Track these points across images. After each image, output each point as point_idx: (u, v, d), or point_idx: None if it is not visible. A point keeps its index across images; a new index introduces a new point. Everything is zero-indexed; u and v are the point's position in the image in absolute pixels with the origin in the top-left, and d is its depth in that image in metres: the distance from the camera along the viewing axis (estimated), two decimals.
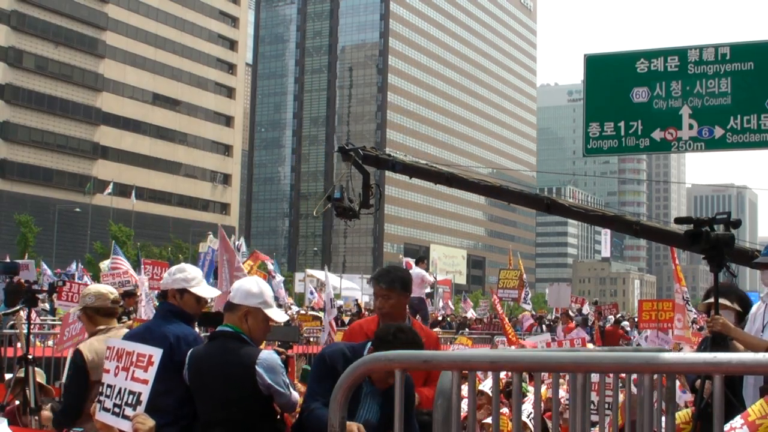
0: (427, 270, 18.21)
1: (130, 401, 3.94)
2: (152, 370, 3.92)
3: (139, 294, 14.89)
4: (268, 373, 4.02)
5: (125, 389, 3.98)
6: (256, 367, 4.01)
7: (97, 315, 5.33)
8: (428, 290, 19.14)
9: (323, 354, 4.26)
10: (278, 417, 4.25)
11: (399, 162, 12.34)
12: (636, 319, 27.99)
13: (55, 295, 13.64)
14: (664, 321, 16.20)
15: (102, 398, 4.07)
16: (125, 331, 5.31)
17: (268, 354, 4.15)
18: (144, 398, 3.90)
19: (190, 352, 4.26)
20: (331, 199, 11.99)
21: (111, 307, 5.35)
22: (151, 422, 3.87)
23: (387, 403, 3.80)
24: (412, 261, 22.42)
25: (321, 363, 4.15)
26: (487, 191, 12.88)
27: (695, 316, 17.12)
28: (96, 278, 28.79)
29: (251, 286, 4.26)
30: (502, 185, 12.99)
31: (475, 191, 13.00)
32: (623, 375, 3.57)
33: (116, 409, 3.98)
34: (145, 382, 3.93)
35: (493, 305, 20.70)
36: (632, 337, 20.04)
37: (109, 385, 4.07)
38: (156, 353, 3.97)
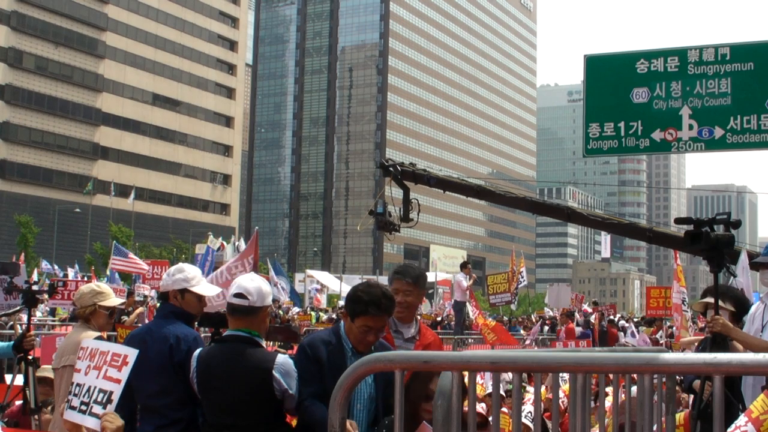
0: (469, 276, 18.66)
1: (100, 399, 3.91)
2: (126, 370, 3.89)
3: (150, 298, 14.87)
4: (285, 378, 3.99)
5: (95, 387, 3.95)
6: (274, 371, 3.97)
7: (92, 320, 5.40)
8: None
9: (303, 345, 4.22)
10: (285, 420, 4.24)
11: (433, 177, 13.10)
12: (635, 320, 28.02)
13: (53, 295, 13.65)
14: (671, 308, 16.20)
15: (70, 397, 4.05)
16: (73, 331, 5.39)
17: (284, 358, 4.11)
18: (115, 397, 3.87)
19: (197, 353, 4.19)
20: (374, 213, 12.63)
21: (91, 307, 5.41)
22: (119, 422, 3.82)
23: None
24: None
25: (302, 353, 4.13)
26: (513, 202, 13.77)
27: (690, 315, 17.14)
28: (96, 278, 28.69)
29: (265, 285, 4.22)
30: (527, 196, 14.08)
31: (501, 202, 13.76)
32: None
33: (83, 407, 3.95)
34: (117, 381, 3.90)
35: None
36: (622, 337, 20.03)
37: (78, 384, 4.05)
38: (132, 354, 3.95)
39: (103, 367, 3.99)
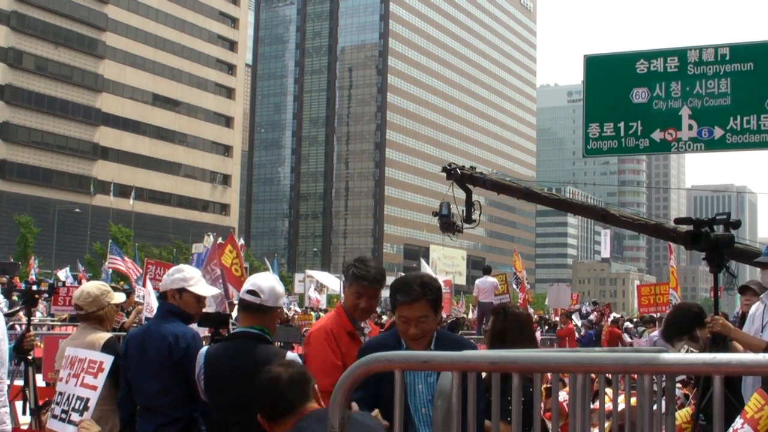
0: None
1: (77, 407, 3.92)
2: (102, 377, 3.89)
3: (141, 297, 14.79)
4: None
5: (74, 395, 3.96)
6: None
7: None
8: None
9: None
10: None
11: (489, 180, 13.88)
12: (634, 320, 28.02)
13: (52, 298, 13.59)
14: (662, 304, 16.38)
15: (53, 406, 4.07)
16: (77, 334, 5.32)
17: (294, 355, 4.09)
18: (92, 404, 3.86)
19: (204, 351, 4.17)
20: (440, 215, 13.46)
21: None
22: (96, 428, 3.82)
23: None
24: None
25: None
26: (555, 203, 14.58)
27: None
28: (96, 279, 28.66)
29: (279, 286, 4.19)
30: (567, 198, 15.58)
31: (545, 203, 15.12)
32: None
33: (63, 415, 3.97)
34: (93, 388, 3.90)
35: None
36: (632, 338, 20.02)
37: (60, 393, 4.06)
38: (107, 360, 3.94)
39: (80, 374, 4.00)
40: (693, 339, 5.45)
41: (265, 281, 4.15)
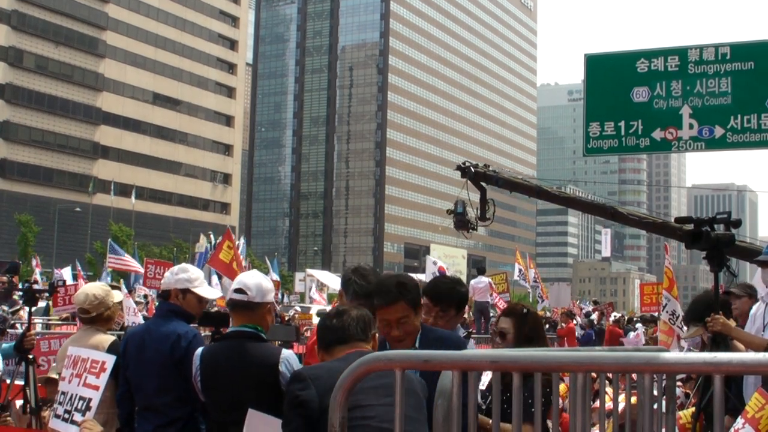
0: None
1: (79, 407, 3.91)
2: (104, 377, 3.89)
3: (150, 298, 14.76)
4: (291, 372, 3.99)
5: (76, 395, 3.95)
6: (280, 366, 3.95)
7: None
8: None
9: None
10: None
11: (501, 178, 13.93)
12: (634, 319, 28.01)
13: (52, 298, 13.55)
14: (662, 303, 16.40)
15: (56, 405, 4.06)
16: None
17: (290, 353, 4.09)
18: (94, 404, 3.85)
19: (199, 351, 4.17)
20: (455, 213, 13.64)
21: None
22: (98, 428, 3.81)
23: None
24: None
25: None
26: (565, 201, 14.77)
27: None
28: (96, 279, 28.70)
29: (266, 282, 4.19)
30: (576, 197, 15.81)
31: (555, 201, 14.93)
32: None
33: (66, 415, 3.96)
34: (96, 388, 3.89)
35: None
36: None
37: (63, 393, 4.06)
38: (109, 360, 3.92)
39: (83, 374, 4.00)
40: (706, 328, 5.48)
41: (251, 278, 4.16)
